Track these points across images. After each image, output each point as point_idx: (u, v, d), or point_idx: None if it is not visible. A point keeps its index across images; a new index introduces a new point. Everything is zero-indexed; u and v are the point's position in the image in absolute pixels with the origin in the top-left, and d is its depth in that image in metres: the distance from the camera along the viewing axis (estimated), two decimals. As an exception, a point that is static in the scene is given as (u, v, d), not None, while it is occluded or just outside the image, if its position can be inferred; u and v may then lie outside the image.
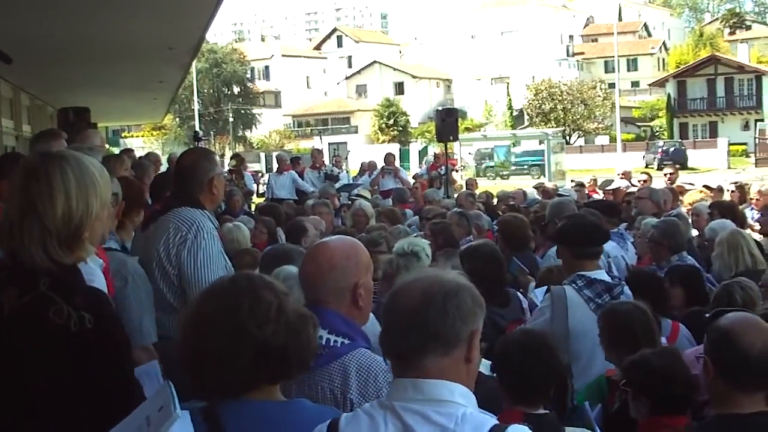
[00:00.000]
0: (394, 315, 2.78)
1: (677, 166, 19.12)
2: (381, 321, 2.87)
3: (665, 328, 5.90)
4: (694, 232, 10.72)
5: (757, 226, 11.36)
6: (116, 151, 27.58)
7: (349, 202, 14.77)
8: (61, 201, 3.02)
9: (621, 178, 17.98)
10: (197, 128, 39.35)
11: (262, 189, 30.73)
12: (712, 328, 3.98)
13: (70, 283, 2.99)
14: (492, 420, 2.69)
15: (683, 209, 12.06)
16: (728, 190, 14.97)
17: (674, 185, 15.06)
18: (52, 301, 2.88)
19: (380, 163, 21.46)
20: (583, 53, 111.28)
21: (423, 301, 2.72)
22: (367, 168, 22.60)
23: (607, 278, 6.05)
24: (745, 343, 3.75)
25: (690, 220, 10.79)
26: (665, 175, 17.17)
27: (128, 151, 16.16)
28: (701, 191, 14.35)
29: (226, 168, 22.39)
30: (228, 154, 71.13)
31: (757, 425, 3.75)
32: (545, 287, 7.10)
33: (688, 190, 14.07)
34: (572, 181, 23.22)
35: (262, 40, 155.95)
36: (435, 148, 38.12)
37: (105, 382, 2.97)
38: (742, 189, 14.95)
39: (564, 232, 6.30)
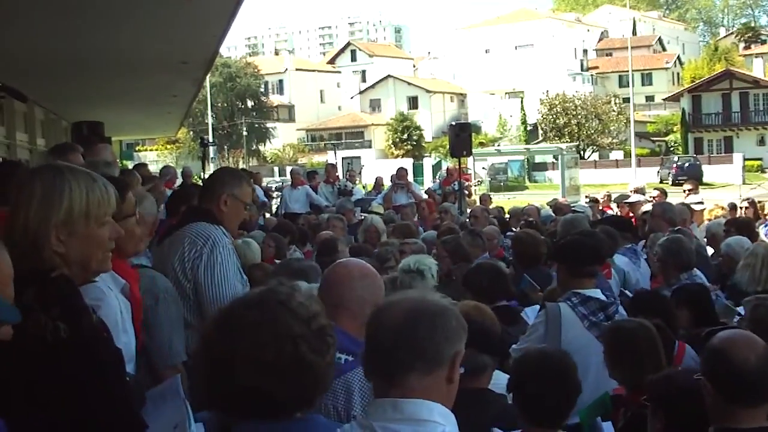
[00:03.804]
0: (380, 333, 2.80)
1: (694, 182, 18.98)
2: (365, 339, 2.87)
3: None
4: (710, 249, 10.64)
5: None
6: (130, 165, 27.70)
7: (363, 217, 14.75)
8: (22, 211, 3.08)
9: (634, 193, 17.91)
10: (210, 141, 39.40)
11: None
12: (706, 348, 4.04)
13: (52, 294, 2.98)
14: None
15: (697, 226, 11.99)
16: (741, 207, 14.88)
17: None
18: (31, 311, 2.86)
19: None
20: (597, 67, 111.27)
21: (409, 320, 2.75)
22: (381, 184, 22.56)
23: (602, 296, 6.07)
24: (739, 359, 3.80)
25: (703, 237, 10.71)
26: (684, 191, 17.10)
27: (141, 166, 16.20)
28: (722, 207, 14.29)
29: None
30: (241, 167, 71.26)
31: None
32: (535, 306, 7.11)
33: (696, 209, 13.91)
34: (586, 196, 23.17)
35: (276, 53, 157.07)
36: (448, 163, 38.11)
37: (82, 393, 2.92)
38: (754, 205, 14.87)
39: (561, 250, 6.37)
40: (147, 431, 2.85)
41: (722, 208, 14.17)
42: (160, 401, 3.39)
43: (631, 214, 14.48)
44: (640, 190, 18.20)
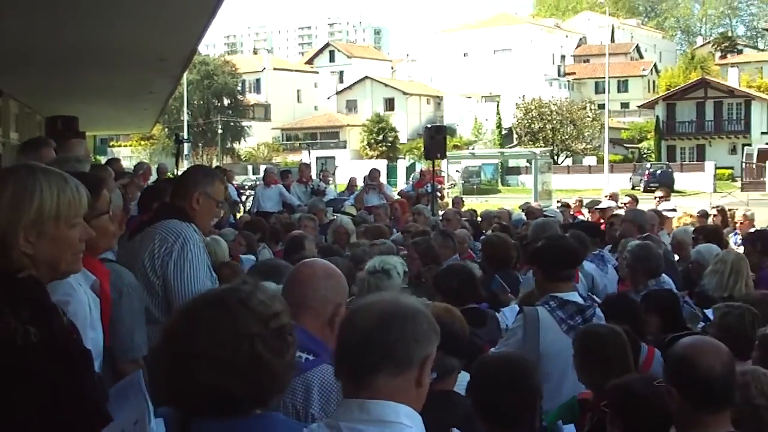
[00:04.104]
0: (351, 333, 2.83)
1: (666, 189, 19.16)
2: (337, 339, 2.91)
3: (641, 353, 5.91)
4: (676, 256, 10.73)
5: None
6: (103, 160, 27.56)
7: (335, 218, 14.76)
8: None
9: (608, 199, 18.03)
10: (185, 138, 39.24)
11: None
12: (670, 356, 4.06)
13: (22, 297, 2.99)
14: None
15: (666, 233, 12.09)
16: (711, 215, 15.01)
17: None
18: (1, 314, 2.88)
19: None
20: (574, 73, 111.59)
21: (381, 322, 2.77)
22: (354, 184, 22.56)
23: (579, 300, 6.09)
24: (705, 367, 3.83)
25: (669, 243, 10.81)
26: (656, 198, 17.23)
27: (114, 161, 16.12)
28: (691, 216, 14.40)
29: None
30: (215, 165, 71.03)
31: None
32: (514, 308, 7.16)
33: (667, 216, 14.05)
34: (558, 201, 23.25)
35: (255, 53, 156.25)
36: (423, 165, 38.14)
37: (53, 396, 2.93)
38: (724, 213, 15.02)
39: (538, 254, 6.34)
40: (108, 428, 2.85)
41: (690, 216, 14.28)
42: (122, 398, 3.40)
43: (602, 220, 14.58)
44: (614, 196, 18.35)
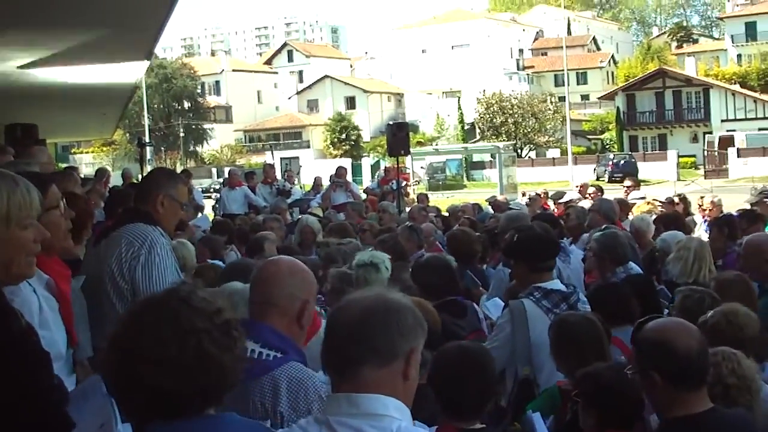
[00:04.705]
0: (336, 328, 2.84)
1: (635, 178, 19.38)
2: (324, 335, 2.90)
3: (625, 338, 5.90)
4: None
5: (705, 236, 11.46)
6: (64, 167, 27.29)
7: (299, 218, 14.71)
8: None
9: (579, 191, 18.14)
10: (147, 141, 39.09)
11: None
12: (644, 341, 4.07)
13: None
14: None
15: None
16: (670, 203, 15.12)
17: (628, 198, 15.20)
18: None
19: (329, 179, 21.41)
20: (533, 67, 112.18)
21: (365, 315, 2.79)
22: (319, 184, 22.54)
23: (562, 288, 6.13)
24: (683, 347, 3.89)
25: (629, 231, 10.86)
26: (625, 188, 17.35)
27: (71, 169, 15.98)
28: (649, 203, 14.50)
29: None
30: (179, 169, 70.76)
31: (715, 419, 3.91)
32: (496, 301, 7.15)
33: (634, 203, 14.19)
34: (523, 194, 23.36)
35: (213, 54, 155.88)
36: (387, 163, 38.16)
37: (11, 398, 2.90)
38: (685, 201, 15.13)
39: (519, 247, 6.31)
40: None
41: (649, 203, 14.39)
42: (81, 400, 3.37)
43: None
44: (584, 187, 18.45)
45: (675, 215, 12.23)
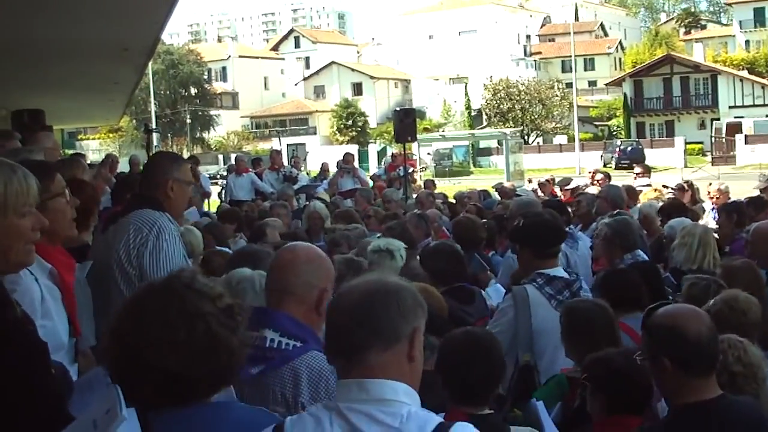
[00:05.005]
0: (338, 314, 2.84)
1: (645, 165, 19.29)
2: (326, 322, 2.90)
3: (635, 325, 5.89)
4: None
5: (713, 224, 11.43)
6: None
7: (308, 204, 14.72)
8: None
9: (591, 177, 18.08)
10: (154, 127, 39.07)
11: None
12: (654, 327, 4.04)
13: None
14: (437, 418, 2.74)
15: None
16: (680, 189, 15.06)
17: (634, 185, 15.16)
18: None
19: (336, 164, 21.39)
20: (540, 53, 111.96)
21: (365, 299, 2.79)
22: (326, 170, 22.53)
23: (565, 275, 6.11)
24: (693, 333, 3.87)
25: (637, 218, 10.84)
26: (634, 175, 17.31)
27: (79, 156, 16.01)
28: (656, 190, 14.45)
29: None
30: (186, 155, 70.82)
31: (725, 406, 3.88)
32: (497, 287, 7.15)
33: (641, 191, 14.14)
34: (529, 180, 23.30)
35: (219, 41, 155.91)
36: (394, 149, 38.10)
37: (6, 388, 2.90)
38: (692, 187, 15.07)
39: (524, 232, 6.30)
40: (79, 418, 2.81)
41: (655, 190, 14.36)
42: (87, 391, 3.36)
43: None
44: (595, 174, 18.39)
45: (678, 203, 12.19)
